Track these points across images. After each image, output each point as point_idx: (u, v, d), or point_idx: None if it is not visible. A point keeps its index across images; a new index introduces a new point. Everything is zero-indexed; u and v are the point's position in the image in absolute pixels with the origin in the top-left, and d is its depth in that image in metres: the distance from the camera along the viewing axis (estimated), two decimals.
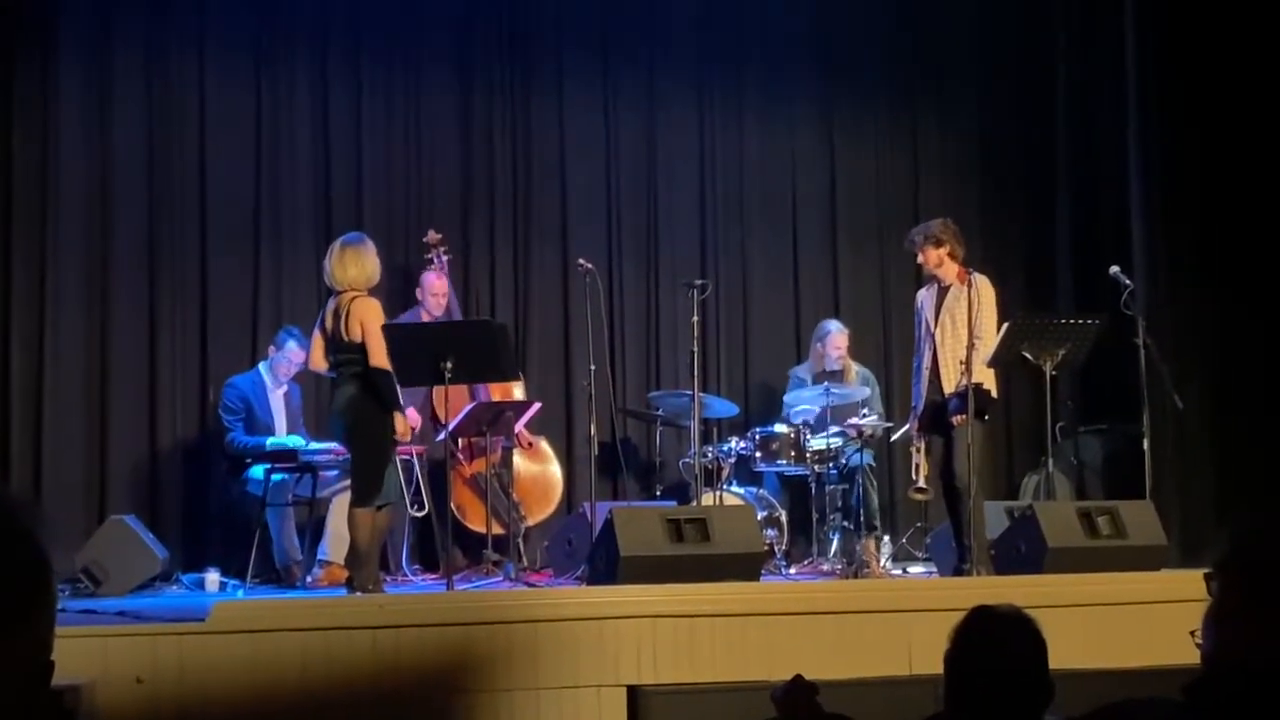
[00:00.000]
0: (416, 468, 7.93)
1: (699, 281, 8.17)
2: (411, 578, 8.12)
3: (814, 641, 5.82)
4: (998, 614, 3.11)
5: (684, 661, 5.70)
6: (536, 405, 8.41)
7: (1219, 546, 2.14)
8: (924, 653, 5.48)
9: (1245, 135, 8.86)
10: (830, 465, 8.61)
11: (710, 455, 8.46)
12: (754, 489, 8.68)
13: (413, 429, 7.25)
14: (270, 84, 9.31)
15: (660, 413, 8.93)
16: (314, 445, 8.12)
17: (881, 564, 8.32)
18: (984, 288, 7.34)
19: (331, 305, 6.83)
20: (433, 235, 8.68)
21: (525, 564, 8.11)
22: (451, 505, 7.73)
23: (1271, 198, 8.83)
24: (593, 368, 7.79)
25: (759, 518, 7.79)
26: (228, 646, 5.33)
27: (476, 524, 8.22)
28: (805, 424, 8.67)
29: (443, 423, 7.64)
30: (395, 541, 8.11)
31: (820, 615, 5.96)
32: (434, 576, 8.10)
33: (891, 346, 10.02)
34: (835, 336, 9.15)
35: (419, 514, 8.03)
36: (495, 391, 8.43)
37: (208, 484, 8.75)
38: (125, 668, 5.18)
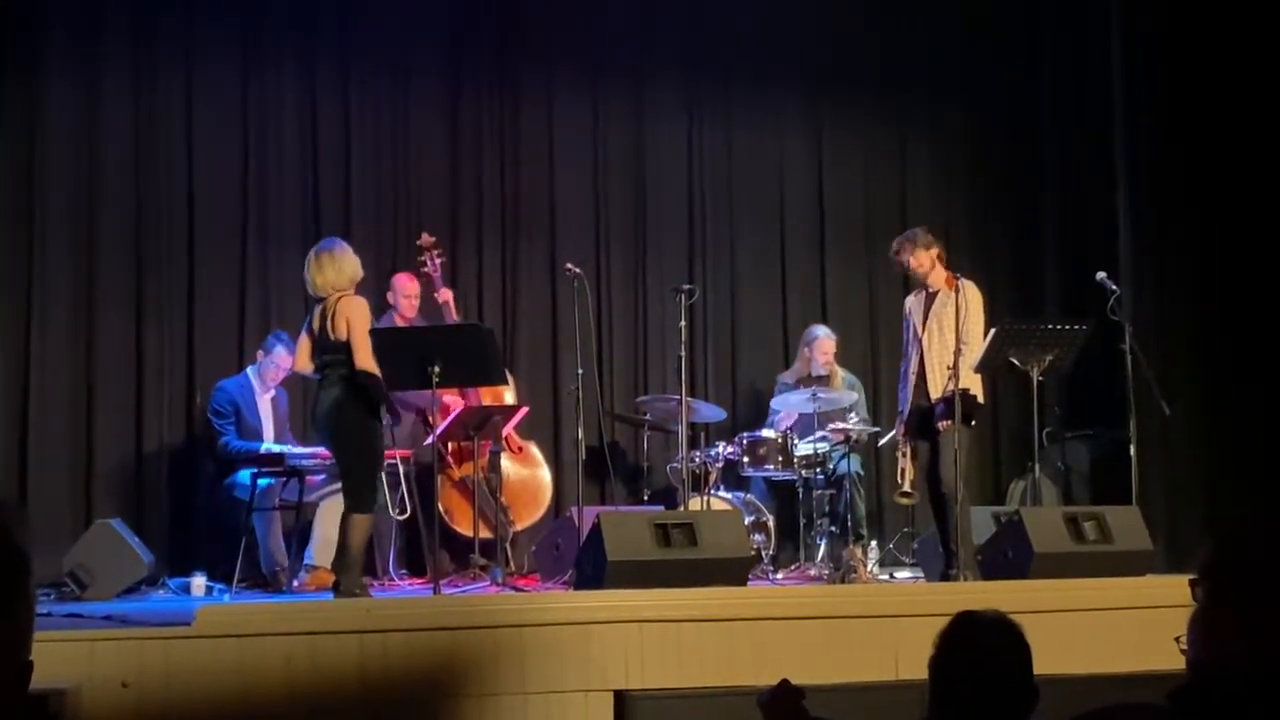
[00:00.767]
0: (402, 471, 7.92)
1: (686, 286, 8.17)
2: (398, 582, 8.10)
3: (801, 646, 5.82)
4: (982, 619, 3.12)
5: (671, 666, 5.70)
6: (524, 410, 8.41)
7: (1204, 552, 2.15)
8: (910, 658, 5.48)
9: (1232, 141, 8.89)
10: (817, 470, 8.62)
11: (698, 460, 8.46)
12: (741, 494, 8.69)
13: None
14: (258, 88, 9.29)
15: (648, 417, 8.93)
16: (300, 450, 8.11)
17: (868, 569, 8.32)
18: (971, 293, 7.36)
19: (319, 308, 6.83)
20: (426, 238, 8.64)
21: (512, 568, 8.10)
22: (439, 509, 7.73)
23: (1258, 203, 8.86)
24: (580, 372, 7.79)
25: (746, 523, 7.79)
26: (214, 651, 5.31)
27: (464, 528, 8.22)
28: (790, 429, 8.69)
29: (431, 426, 7.65)
30: (382, 546, 8.10)
31: (807, 620, 5.96)
32: (421, 581, 8.09)
33: (879, 352, 10.05)
34: (823, 341, 9.16)
35: (401, 516, 8.01)
36: (486, 395, 8.42)
37: (194, 488, 8.73)
38: (111, 672, 5.17)
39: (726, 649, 5.78)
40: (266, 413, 8.39)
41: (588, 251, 9.61)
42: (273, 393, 8.44)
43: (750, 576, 6.95)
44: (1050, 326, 7.57)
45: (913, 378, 7.48)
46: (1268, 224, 8.84)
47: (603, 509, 7.56)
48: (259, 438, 8.26)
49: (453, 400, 8.29)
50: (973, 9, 10.37)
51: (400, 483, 7.84)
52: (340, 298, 6.74)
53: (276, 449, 8.15)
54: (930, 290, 7.50)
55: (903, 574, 8.68)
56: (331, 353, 6.71)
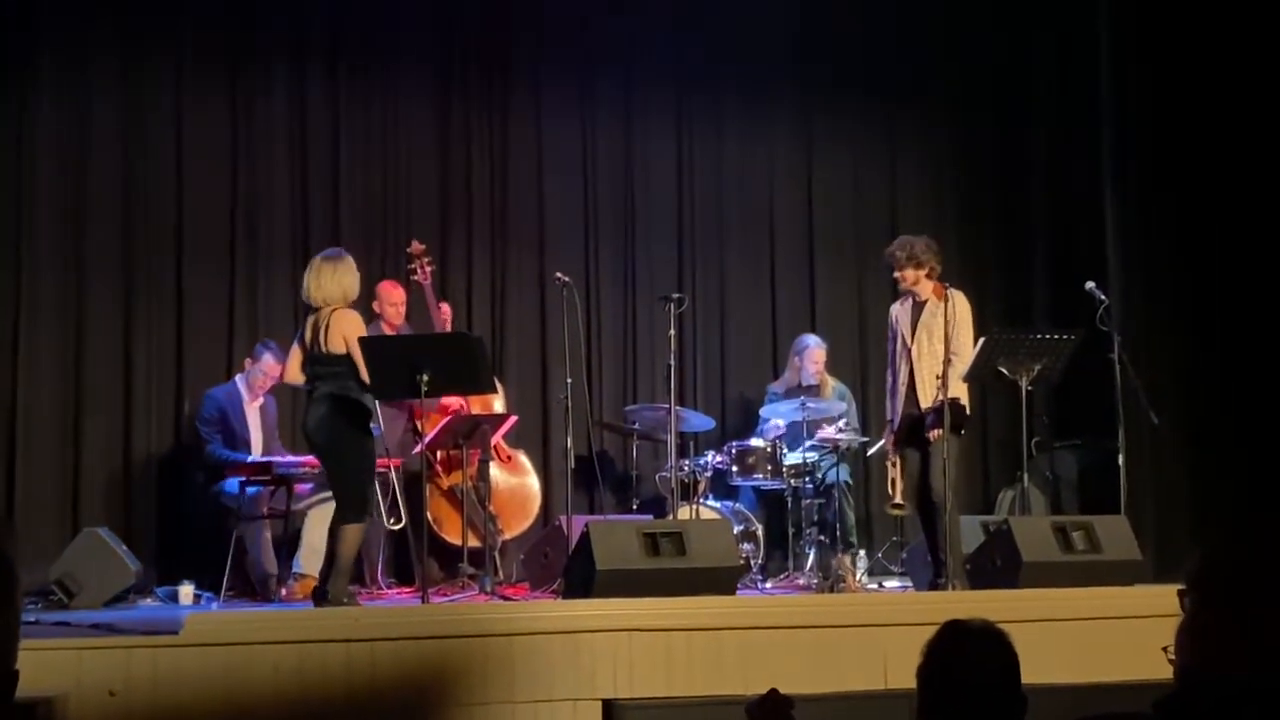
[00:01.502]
0: (393, 480, 7.91)
1: (676, 295, 8.16)
2: (387, 591, 8.09)
3: (790, 655, 5.82)
4: (970, 628, 3.11)
5: (660, 675, 5.70)
6: (513, 418, 8.40)
7: (1192, 562, 2.15)
8: (899, 667, 5.49)
9: (1222, 150, 8.90)
10: (806, 480, 8.62)
11: (687, 469, 8.46)
12: (730, 503, 8.68)
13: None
14: (246, 95, 9.28)
15: (637, 426, 8.93)
16: (288, 458, 8.10)
17: (857, 578, 8.32)
18: (960, 303, 7.35)
19: (311, 319, 6.82)
20: (416, 246, 8.59)
21: (501, 577, 8.08)
22: (428, 518, 7.72)
23: (1248, 214, 8.88)
24: (569, 381, 7.79)
25: (735, 532, 7.80)
26: (202, 659, 5.30)
27: (453, 537, 8.20)
28: (779, 439, 8.69)
29: (420, 435, 7.64)
30: (370, 554, 8.09)
31: (796, 629, 5.96)
32: (409, 590, 8.08)
33: (868, 361, 10.04)
34: (814, 351, 9.16)
35: (395, 526, 8.01)
36: (475, 404, 8.41)
37: (183, 496, 8.70)
38: (99, 680, 5.16)
39: (715, 658, 5.78)
40: (255, 421, 8.37)
41: (577, 261, 9.60)
42: (261, 400, 8.44)
43: (739, 586, 6.95)
44: (1039, 336, 7.57)
45: (902, 388, 7.46)
46: (1258, 234, 8.86)
47: (591, 518, 7.55)
48: (246, 449, 8.25)
49: (451, 400, 8.24)
50: (962, 20, 10.39)
51: (391, 491, 7.83)
52: (335, 311, 6.73)
53: (264, 461, 8.14)
54: (918, 299, 7.48)
55: (891, 583, 8.68)
56: (323, 365, 6.71)
